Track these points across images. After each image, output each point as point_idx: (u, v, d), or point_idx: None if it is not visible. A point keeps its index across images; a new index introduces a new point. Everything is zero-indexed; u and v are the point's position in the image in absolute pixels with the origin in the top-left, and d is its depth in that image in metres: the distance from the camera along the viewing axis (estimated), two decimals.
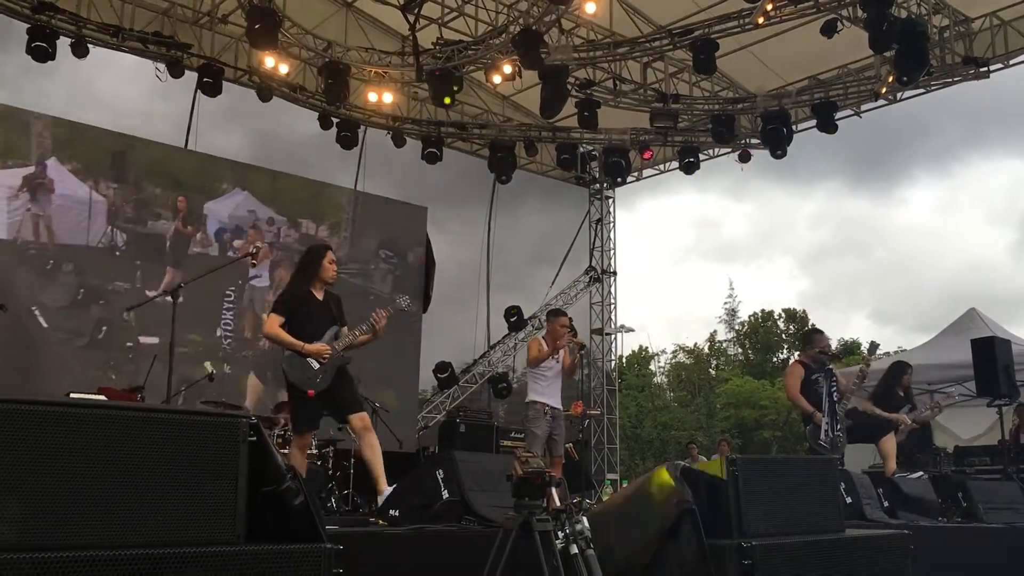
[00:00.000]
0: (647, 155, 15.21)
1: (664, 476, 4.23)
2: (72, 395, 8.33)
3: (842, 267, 64.49)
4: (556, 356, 7.90)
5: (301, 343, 5.86)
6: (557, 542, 3.60)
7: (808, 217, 67.15)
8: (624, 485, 14.79)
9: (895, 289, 63.80)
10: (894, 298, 63.83)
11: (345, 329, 6.09)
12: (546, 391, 7.79)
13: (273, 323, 5.93)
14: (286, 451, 8.82)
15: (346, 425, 6.29)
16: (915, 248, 63.18)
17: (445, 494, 5.00)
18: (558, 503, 3.80)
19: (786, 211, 66.51)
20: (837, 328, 65.89)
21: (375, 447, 5.92)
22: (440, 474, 5.10)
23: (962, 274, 58.22)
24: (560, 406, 7.91)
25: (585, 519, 3.75)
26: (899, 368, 9.32)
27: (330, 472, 9.65)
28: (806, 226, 67.20)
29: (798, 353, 8.53)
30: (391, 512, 5.24)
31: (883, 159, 63.73)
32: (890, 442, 8.65)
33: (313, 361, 5.87)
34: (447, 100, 11.93)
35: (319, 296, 6.08)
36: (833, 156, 62.89)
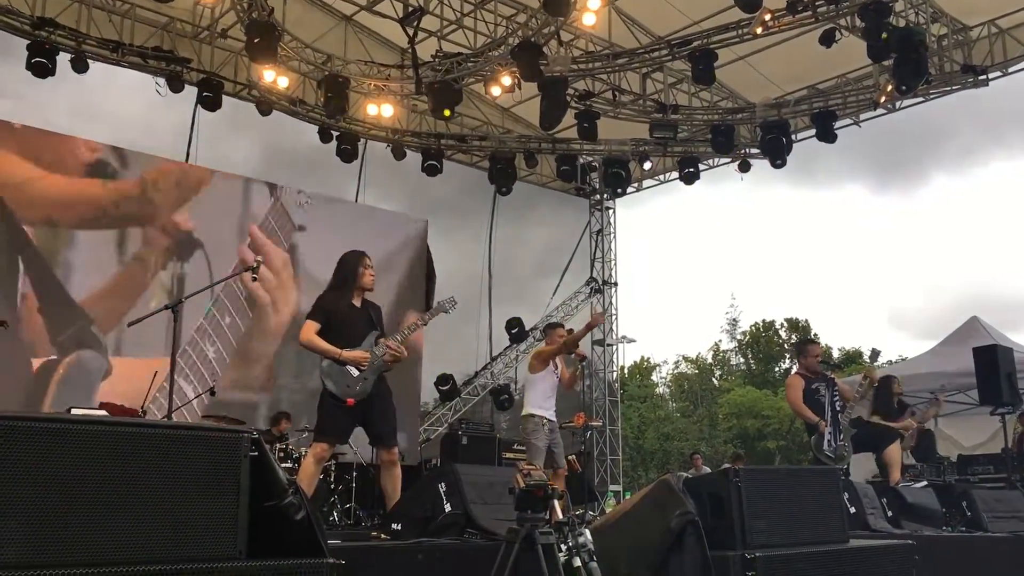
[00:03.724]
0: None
1: (667, 487, 4.22)
2: (74, 410, 8.32)
3: (856, 272, 64.12)
4: (555, 371, 7.90)
5: (338, 350, 5.68)
6: (560, 555, 3.59)
7: (824, 221, 66.65)
8: (627, 496, 14.75)
9: (908, 295, 63.47)
10: (907, 304, 63.47)
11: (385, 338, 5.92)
12: (543, 404, 7.78)
13: (309, 330, 5.74)
14: (287, 465, 8.85)
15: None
16: (931, 252, 62.79)
17: (448, 507, 4.98)
18: (561, 515, 3.79)
19: (802, 215, 66.08)
20: (847, 336, 65.77)
21: (397, 481, 5.83)
22: (442, 487, 5.07)
23: (977, 278, 57.76)
24: (555, 419, 7.90)
25: (588, 531, 3.74)
26: (889, 381, 9.47)
27: (332, 486, 9.64)
28: (821, 230, 66.67)
29: (795, 366, 8.56)
30: (393, 526, 5.22)
31: (904, 162, 63.38)
32: (895, 451, 8.64)
33: (352, 369, 5.69)
34: (447, 113, 11.95)
35: (357, 304, 5.94)
36: (853, 160, 62.43)
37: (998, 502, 7.04)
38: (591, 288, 17.42)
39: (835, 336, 73.53)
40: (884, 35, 10.11)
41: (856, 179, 65.37)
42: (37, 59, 11.07)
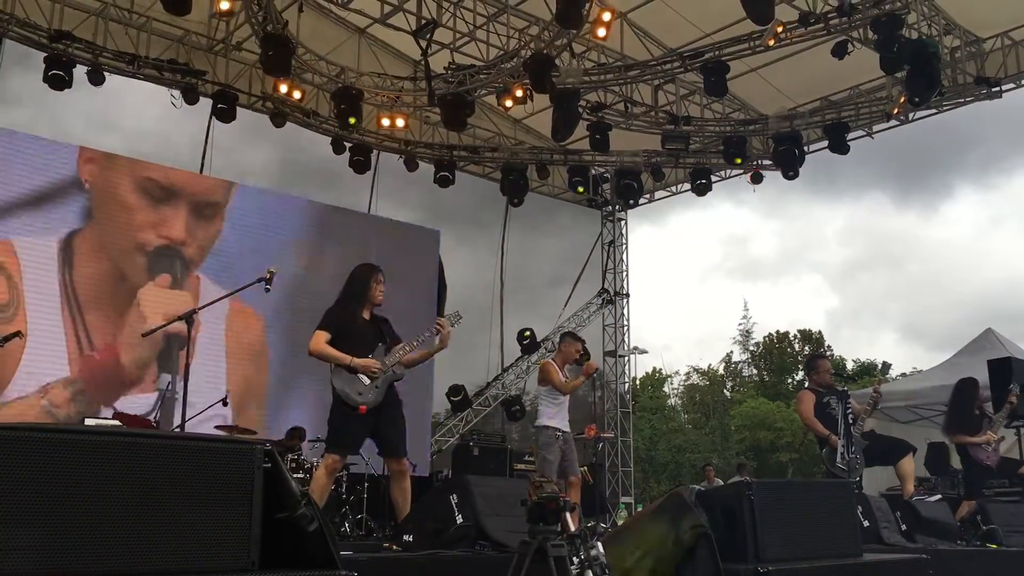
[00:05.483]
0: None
1: (679, 500, 4.21)
2: (87, 421, 8.38)
3: (873, 283, 63.34)
4: (564, 380, 7.92)
5: (349, 357, 5.70)
6: (572, 568, 3.58)
7: (842, 232, 65.87)
8: (639, 508, 14.69)
9: (926, 306, 62.73)
10: (924, 315, 62.75)
11: (398, 346, 5.96)
12: (556, 416, 7.78)
13: (319, 339, 5.76)
14: (299, 476, 8.86)
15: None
16: (950, 263, 61.88)
17: (459, 519, 4.97)
18: (573, 528, 3.78)
19: (820, 226, 65.48)
20: (862, 348, 65.19)
21: (406, 492, 5.83)
22: (454, 498, 5.07)
23: (996, 290, 57.11)
24: (569, 429, 7.90)
25: (600, 544, 3.73)
26: (973, 388, 8.86)
27: (343, 496, 9.63)
28: (839, 241, 65.88)
29: (807, 381, 8.45)
30: (405, 537, 5.23)
31: (927, 171, 62.77)
32: (908, 464, 8.54)
33: (363, 376, 5.71)
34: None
35: (366, 316, 5.97)
36: (876, 169, 61.83)
37: (1014, 516, 6.99)
38: (603, 299, 17.41)
39: (849, 348, 73.03)
40: (896, 47, 10.11)
41: (878, 188, 65.02)
42: (54, 71, 11.14)
